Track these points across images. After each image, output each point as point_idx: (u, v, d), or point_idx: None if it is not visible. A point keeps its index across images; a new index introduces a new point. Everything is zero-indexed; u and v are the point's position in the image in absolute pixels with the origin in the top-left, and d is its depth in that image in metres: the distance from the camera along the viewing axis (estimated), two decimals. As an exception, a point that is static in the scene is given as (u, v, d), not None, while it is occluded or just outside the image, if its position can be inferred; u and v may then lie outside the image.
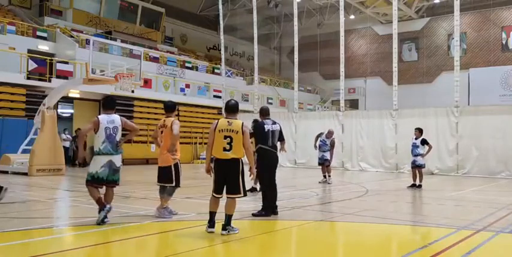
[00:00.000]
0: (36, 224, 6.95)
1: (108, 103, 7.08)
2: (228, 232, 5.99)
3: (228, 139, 6.06)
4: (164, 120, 7.40)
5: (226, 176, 6.10)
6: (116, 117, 6.84)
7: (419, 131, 12.89)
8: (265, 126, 7.95)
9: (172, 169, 7.27)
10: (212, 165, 6.20)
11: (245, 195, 6.23)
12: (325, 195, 11.48)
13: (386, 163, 20.00)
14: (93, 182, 6.71)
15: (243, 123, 6.19)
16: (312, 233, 6.66)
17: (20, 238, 6.03)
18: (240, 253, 5.58)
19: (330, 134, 14.26)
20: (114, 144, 6.71)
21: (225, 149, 6.06)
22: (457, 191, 13.10)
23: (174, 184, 7.30)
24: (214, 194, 6.17)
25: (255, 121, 9.20)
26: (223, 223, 6.04)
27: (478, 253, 5.43)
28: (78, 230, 6.63)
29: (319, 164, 14.41)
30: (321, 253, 5.49)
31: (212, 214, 6.12)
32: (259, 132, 7.93)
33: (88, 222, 7.00)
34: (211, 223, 6.09)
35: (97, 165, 6.68)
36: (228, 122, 6.15)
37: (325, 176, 14.13)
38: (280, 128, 8.23)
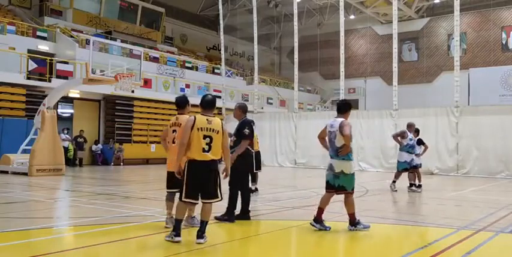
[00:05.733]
0: (36, 224, 6.95)
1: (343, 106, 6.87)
2: (205, 240, 5.47)
3: (208, 138, 5.52)
4: (177, 118, 6.52)
5: (203, 179, 5.52)
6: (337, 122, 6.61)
7: (416, 131, 12.88)
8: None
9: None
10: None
11: (222, 198, 5.70)
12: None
13: (386, 163, 19.97)
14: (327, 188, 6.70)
15: (222, 122, 5.80)
16: (312, 234, 6.65)
17: (20, 238, 6.03)
18: (239, 253, 5.58)
19: (412, 127, 12.22)
20: (333, 149, 6.57)
21: (204, 150, 5.50)
22: (457, 191, 13.10)
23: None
24: (188, 200, 5.53)
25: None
26: (198, 230, 5.49)
27: (478, 253, 5.43)
28: (78, 230, 6.62)
29: (404, 170, 12.09)
30: (321, 253, 5.49)
31: (180, 222, 5.59)
32: (251, 132, 7.60)
33: (88, 222, 7.01)
34: (178, 232, 5.53)
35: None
36: (207, 120, 5.61)
37: (414, 184, 12.14)
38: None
